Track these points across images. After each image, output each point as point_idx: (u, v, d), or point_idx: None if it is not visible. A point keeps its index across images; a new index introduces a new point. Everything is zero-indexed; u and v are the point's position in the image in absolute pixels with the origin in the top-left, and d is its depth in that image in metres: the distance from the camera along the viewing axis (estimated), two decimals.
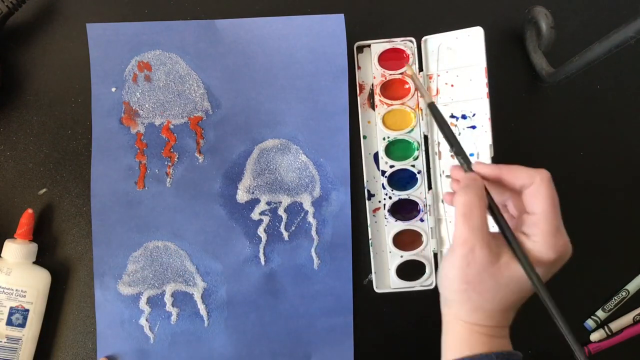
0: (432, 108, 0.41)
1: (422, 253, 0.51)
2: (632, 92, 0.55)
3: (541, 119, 0.54)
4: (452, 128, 0.51)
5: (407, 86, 0.52)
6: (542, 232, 0.35)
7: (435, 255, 0.51)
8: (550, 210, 0.36)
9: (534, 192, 0.36)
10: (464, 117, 0.51)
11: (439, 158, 0.51)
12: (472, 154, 0.50)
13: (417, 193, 0.51)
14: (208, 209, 0.51)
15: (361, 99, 0.52)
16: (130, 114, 0.51)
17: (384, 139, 0.52)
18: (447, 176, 0.51)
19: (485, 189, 0.37)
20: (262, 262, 0.51)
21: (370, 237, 0.51)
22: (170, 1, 0.52)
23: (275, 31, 0.51)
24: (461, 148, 0.39)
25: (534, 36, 0.52)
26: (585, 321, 0.53)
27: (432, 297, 0.52)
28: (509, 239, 0.36)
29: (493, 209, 0.37)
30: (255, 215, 0.51)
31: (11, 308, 0.47)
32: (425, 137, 0.52)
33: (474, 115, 0.50)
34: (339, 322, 0.51)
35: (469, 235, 0.35)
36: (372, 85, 0.52)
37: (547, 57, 0.52)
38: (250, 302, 0.50)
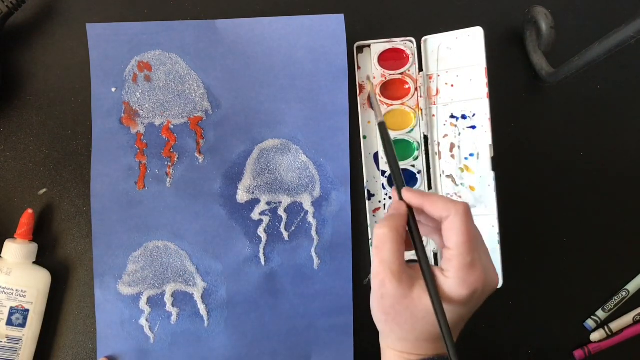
0: (382, 127, 0.41)
1: None
2: (632, 92, 0.55)
3: (541, 119, 0.54)
4: (452, 128, 0.51)
5: (407, 86, 0.52)
6: (454, 268, 0.34)
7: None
8: (463, 245, 0.34)
9: (449, 225, 0.35)
10: (464, 117, 0.51)
11: (439, 158, 0.52)
12: (472, 154, 0.50)
13: None
14: (208, 209, 0.51)
15: (361, 99, 0.52)
16: (130, 114, 0.51)
17: None
18: (447, 176, 0.51)
19: (414, 216, 0.37)
20: (262, 262, 0.51)
21: (370, 237, 0.51)
22: (170, 1, 0.52)
23: (275, 31, 0.51)
24: (399, 172, 0.39)
25: (534, 36, 0.52)
26: (585, 321, 0.53)
27: None
28: (423, 271, 0.35)
29: (414, 240, 0.36)
30: (255, 215, 0.51)
31: (11, 308, 0.47)
32: (425, 137, 0.52)
33: (474, 115, 0.50)
34: (339, 322, 0.51)
35: (379, 268, 0.35)
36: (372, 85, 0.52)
37: (547, 57, 0.52)
38: (250, 302, 0.50)
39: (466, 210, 0.35)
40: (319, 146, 0.52)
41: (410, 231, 0.37)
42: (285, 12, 0.52)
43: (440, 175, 0.51)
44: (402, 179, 0.39)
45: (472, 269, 0.34)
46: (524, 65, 0.54)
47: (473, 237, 0.35)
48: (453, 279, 0.34)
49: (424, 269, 0.35)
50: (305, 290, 0.51)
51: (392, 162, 0.39)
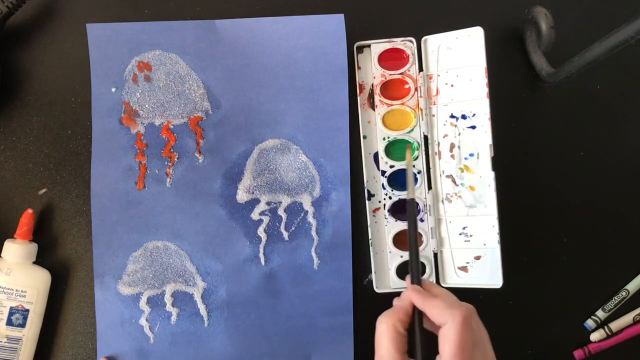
0: (410, 205, 0.40)
1: (422, 253, 0.51)
2: (632, 92, 0.55)
3: (541, 119, 0.54)
4: (452, 128, 0.51)
5: (407, 86, 0.52)
6: None
7: (435, 255, 0.51)
8: (454, 358, 0.33)
9: (444, 333, 0.34)
10: (464, 117, 0.51)
11: (439, 158, 0.52)
12: (472, 154, 0.50)
13: (417, 193, 0.51)
14: (208, 209, 0.51)
15: (361, 99, 0.52)
16: (130, 114, 0.51)
17: (384, 139, 0.52)
18: (447, 176, 0.51)
19: (420, 317, 0.36)
20: (262, 262, 0.51)
21: (370, 237, 0.51)
22: (170, 1, 0.52)
23: (275, 31, 0.51)
24: (417, 261, 0.38)
25: (534, 36, 0.52)
26: (585, 321, 0.53)
27: None
28: None
29: (416, 338, 0.36)
30: (255, 216, 0.51)
31: (11, 308, 0.47)
32: (425, 137, 0.52)
33: (474, 115, 0.50)
34: (339, 322, 0.51)
35: None
36: (372, 85, 0.52)
37: (547, 57, 0.52)
38: (250, 302, 0.50)
39: (463, 319, 0.34)
40: (318, 146, 0.52)
41: (413, 330, 0.36)
42: (285, 12, 0.52)
43: (440, 175, 0.51)
44: (418, 270, 0.38)
45: None
46: (524, 65, 0.54)
47: (467, 349, 0.33)
48: None
49: None
50: (305, 290, 0.51)
51: (413, 246, 0.39)
